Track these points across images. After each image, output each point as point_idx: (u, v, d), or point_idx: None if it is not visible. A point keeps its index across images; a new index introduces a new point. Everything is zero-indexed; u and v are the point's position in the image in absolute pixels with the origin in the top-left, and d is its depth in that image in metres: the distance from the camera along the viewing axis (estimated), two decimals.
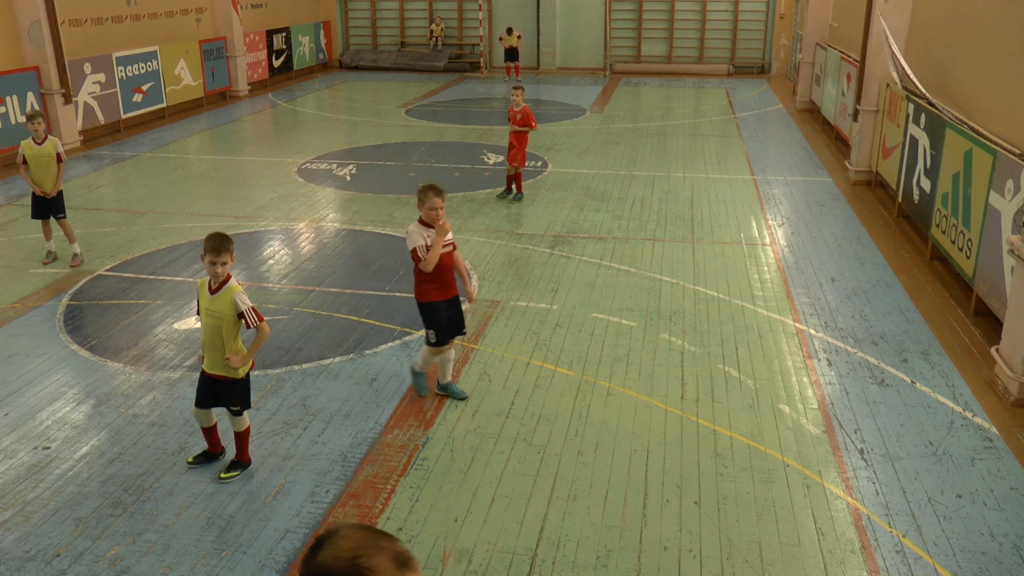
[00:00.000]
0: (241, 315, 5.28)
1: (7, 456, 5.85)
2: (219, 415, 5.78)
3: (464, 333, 6.58)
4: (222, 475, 5.58)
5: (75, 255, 9.45)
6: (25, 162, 9.20)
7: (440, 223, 6.03)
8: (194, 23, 20.15)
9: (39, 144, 9.16)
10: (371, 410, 6.42)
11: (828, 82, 17.06)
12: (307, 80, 24.75)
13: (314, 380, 6.89)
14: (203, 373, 5.52)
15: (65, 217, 9.44)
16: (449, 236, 6.14)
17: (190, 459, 5.77)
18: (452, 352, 6.47)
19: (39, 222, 9.68)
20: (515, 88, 11.79)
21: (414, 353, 7.32)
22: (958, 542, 4.95)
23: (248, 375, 5.56)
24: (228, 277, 5.35)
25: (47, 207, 9.38)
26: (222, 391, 5.50)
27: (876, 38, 12.65)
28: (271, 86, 23.26)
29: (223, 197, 12.35)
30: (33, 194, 9.35)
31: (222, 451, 5.82)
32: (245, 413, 5.59)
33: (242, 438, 5.63)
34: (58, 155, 9.25)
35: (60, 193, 9.41)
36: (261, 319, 5.34)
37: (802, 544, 4.94)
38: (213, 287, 5.34)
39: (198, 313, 5.50)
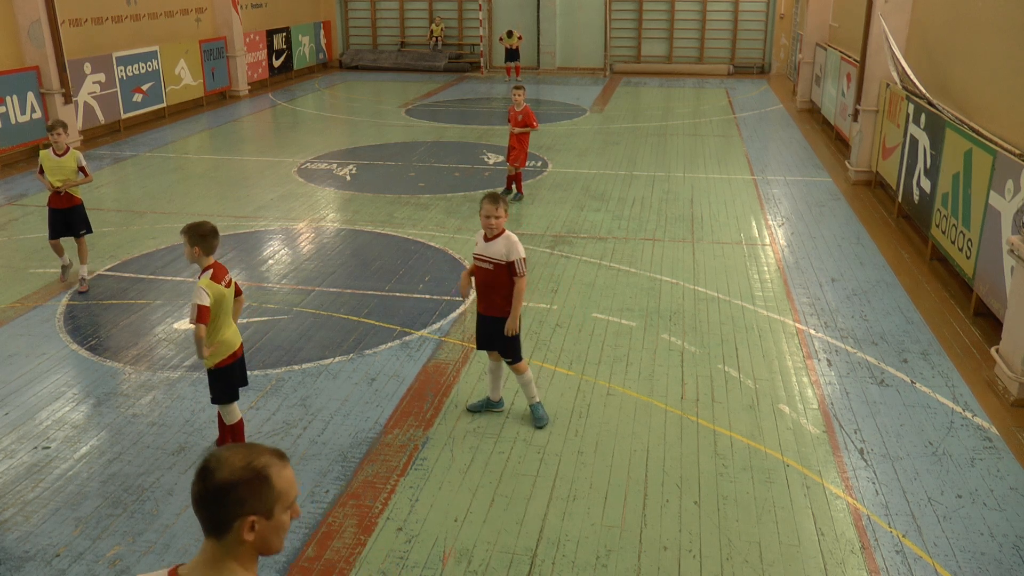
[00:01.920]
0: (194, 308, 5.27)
1: (7, 456, 5.85)
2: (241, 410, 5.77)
3: (502, 357, 6.13)
4: None
5: (83, 279, 8.76)
6: (42, 172, 8.54)
7: (460, 283, 6.07)
8: (194, 23, 20.15)
9: (59, 156, 8.48)
10: (371, 410, 6.42)
11: (828, 82, 17.06)
12: (307, 80, 24.75)
13: (314, 380, 6.89)
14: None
15: (89, 234, 8.87)
16: (490, 254, 5.87)
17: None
18: (496, 367, 6.23)
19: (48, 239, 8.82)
20: (516, 88, 11.73)
21: (414, 353, 7.33)
22: (958, 542, 4.95)
23: (217, 368, 5.47)
24: (206, 269, 5.41)
25: (68, 223, 8.67)
26: (210, 380, 5.61)
27: (876, 38, 12.65)
28: (271, 86, 23.26)
29: (223, 197, 12.34)
30: (51, 211, 8.64)
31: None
32: (233, 405, 5.60)
33: (231, 432, 5.66)
34: (81, 168, 8.57)
35: (82, 207, 8.76)
36: (199, 320, 5.21)
37: (802, 544, 4.94)
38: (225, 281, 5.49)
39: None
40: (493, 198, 5.81)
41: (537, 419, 6.21)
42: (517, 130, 11.66)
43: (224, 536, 2.08)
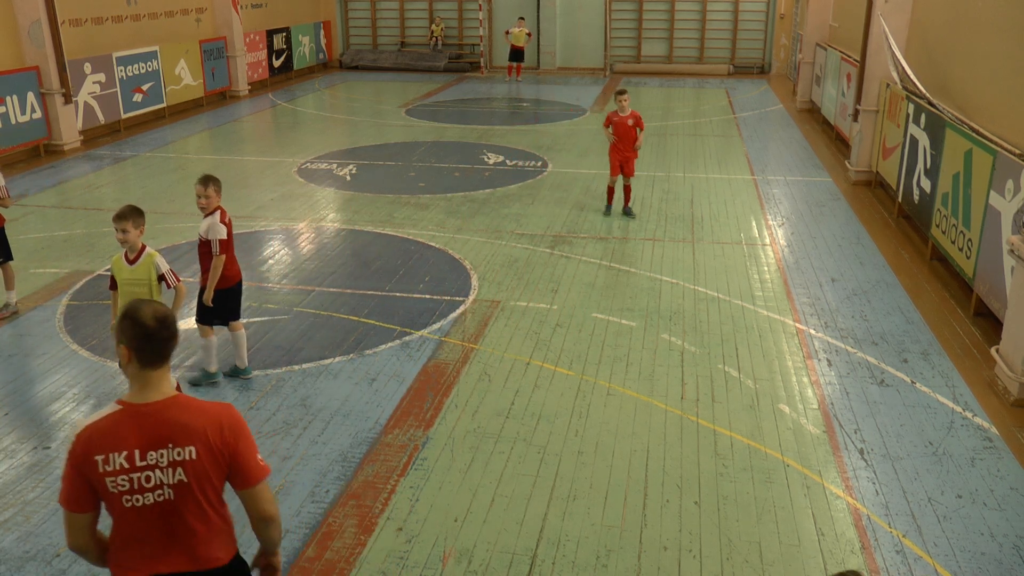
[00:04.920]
0: (161, 277, 5.88)
1: (7, 456, 5.84)
2: None
3: (199, 322, 6.81)
4: None
5: (7, 304, 8.11)
6: None
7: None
8: (194, 23, 20.15)
9: None
10: (371, 410, 6.42)
11: (828, 82, 17.06)
12: (307, 80, 24.75)
13: (314, 380, 6.89)
14: None
15: (11, 261, 8.13)
16: (199, 229, 6.56)
17: None
18: (233, 336, 6.91)
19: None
20: (620, 93, 10.92)
21: (414, 353, 7.33)
22: (958, 542, 4.95)
23: None
24: (143, 247, 5.90)
25: None
26: None
27: (876, 38, 12.65)
28: (271, 86, 23.26)
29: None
30: None
31: None
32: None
33: None
34: None
35: (1, 232, 7.99)
36: (179, 279, 6.01)
37: (802, 544, 4.94)
38: (130, 258, 5.88)
39: (112, 288, 6.02)
40: (203, 180, 6.48)
41: (205, 375, 6.82)
42: (637, 145, 10.99)
43: (167, 361, 2.97)
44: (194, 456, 2.88)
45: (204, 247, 6.56)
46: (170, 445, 2.86)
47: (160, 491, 2.87)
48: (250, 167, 14.17)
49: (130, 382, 2.94)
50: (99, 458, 2.81)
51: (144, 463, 2.84)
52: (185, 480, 2.88)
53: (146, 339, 2.88)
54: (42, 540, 4.98)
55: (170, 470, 2.86)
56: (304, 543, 4.93)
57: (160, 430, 2.86)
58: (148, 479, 2.85)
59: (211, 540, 3.02)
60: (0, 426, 6.22)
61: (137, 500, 2.86)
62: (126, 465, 2.83)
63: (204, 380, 6.82)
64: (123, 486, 2.83)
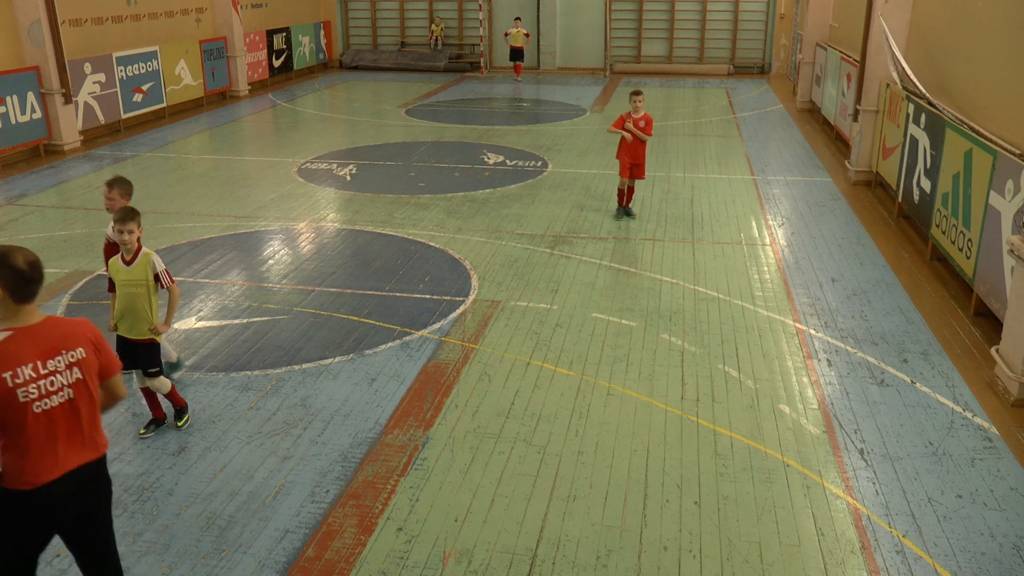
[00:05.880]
0: (157, 277, 5.85)
1: None
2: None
3: None
4: (178, 424, 6.18)
5: None
6: None
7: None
8: (194, 23, 20.15)
9: None
10: (371, 410, 6.42)
11: (828, 82, 17.06)
12: (307, 80, 24.75)
13: (314, 380, 6.89)
14: (121, 340, 5.96)
15: None
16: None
17: (141, 431, 6.09)
18: None
19: None
20: (636, 94, 10.84)
21: (414, 353, 7.33)
22: (958, 542, 4.95)
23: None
24: (139, 247, 5.88)
25: None
26: (142, 354, 5.97)
27: (876, 38, 12.65)
28: (271, 86, 23.26)
29: (223, 197, 12.34)
30: None
31: (164, 416, 6.24)
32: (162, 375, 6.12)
33: (171, 394, 6.11)
34: None
35: None
36: (172, 280, 6.01)
37: (802, 544, 4.94)
38: (127, 259, 5.85)
39: (110, 291, 6.02)
40: (109, 182, 6.46)
41: (171, 367, 6.84)
42: (635, 133, 10.85)
43: (36, 297, 3.49)
44: (84, 355, 3.58)
45: (111, 249, 6.40)
46: (63, 351, 3.51)
47: (62, 392, 3.52)
48: (250, 167, 14.17)
49: (4, 316, 3.43)
50: (7, 374, 3.36)
51: (47, 370, 3.46)
52: (81, 377, 3.56)
53: (23, 282, 3.39)
54: None
55: (68, 372, 3.53)
56: (304, 543, 4.94)
57: (52, 341, 3.50)
58: (52, 383, 3.48)
59: (97, 427, 3.70)
60: None
61: (46, 404, 3.47)
62: (33, 375, 3.42)
63: (172, 371, 6.81)
64: (33, 393, 3.43)
